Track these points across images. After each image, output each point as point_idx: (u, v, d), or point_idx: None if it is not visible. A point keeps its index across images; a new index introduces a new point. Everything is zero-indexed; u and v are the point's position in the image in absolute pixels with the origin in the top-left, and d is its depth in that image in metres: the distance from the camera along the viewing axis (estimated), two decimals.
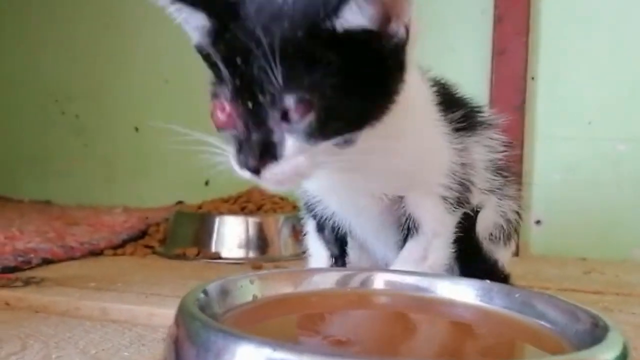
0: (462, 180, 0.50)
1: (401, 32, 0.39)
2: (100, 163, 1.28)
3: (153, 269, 0.75)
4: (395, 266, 0.47)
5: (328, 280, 0.37)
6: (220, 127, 0.41)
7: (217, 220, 0.89)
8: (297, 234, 0.93)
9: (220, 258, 0.84)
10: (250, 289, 0.35)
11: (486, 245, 0.56)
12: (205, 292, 0.31)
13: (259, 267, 0.79)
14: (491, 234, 0.56)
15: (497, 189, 0.56)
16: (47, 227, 0.86)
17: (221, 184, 1.11)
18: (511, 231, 0.58)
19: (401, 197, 0.48)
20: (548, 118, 0.98)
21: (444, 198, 0.48)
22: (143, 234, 0.96)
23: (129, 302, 0.55)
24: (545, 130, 0.99)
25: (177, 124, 1.28)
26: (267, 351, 0.22)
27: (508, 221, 0.57)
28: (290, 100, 0.37)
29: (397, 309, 0.36)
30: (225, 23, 0.39)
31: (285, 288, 0.36)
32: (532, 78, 0.99)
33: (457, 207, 0.49)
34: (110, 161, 1.28)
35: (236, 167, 0.40)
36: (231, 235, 0.88)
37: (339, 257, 0.54)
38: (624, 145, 0.95)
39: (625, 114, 0.96)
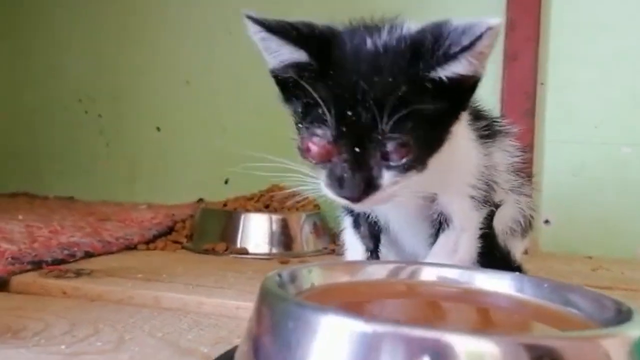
0: (487, 181, 0.55)
1: (483, 72, 0.44)
2: (122, 161, 1.33)
3: (189, 262, 0.79)
4: (429, 258, 0.53)
5: (380, 271, 0.42)
6: (313, 161, 0.46)
7: (242, 217, 0.94)
8: (318, 230, 0.98)
9: (247, 253, 0.89)
10: (312, 277, 0.39)
11: (503, 237, 0.61)
12: (280, 276, 0.36)
13: (285, 262, 0.83)
14: (511, 228, 0.62)
15: (516, 188, 0.61)
16: (83, 222, 0.91)
17: (240, 183, 1.17)
18: (527, 225, 0.63)
19: (435, 196, 0.53)
20: (556, 122, 1.03)
21: (472, 197, 0.53)
22: (170, 230, 1.01)
23: (179, 291, 0.59)
24: (553, 134, 1.04)
25: (197, 124, 1.33)
26: (355, 323, 0.26)
27: (525, 216, 0.63)
28: (392, 145, 0.42)
29: (441, 298, 0.41)
30: (323, 63, 0.44)
31: (341, 277, 0.41)
32: (542, 84, 1.04)
33: (483, 205, 0.54)
34: (132, 160, 1.32)
35: (331, 195, 0.46)
36: (256, 231, 0.93)
37: (373, 251, 0.59)
38: (630, 149, 1.00)
39: (630, 118, 1.01)
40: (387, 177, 0.44)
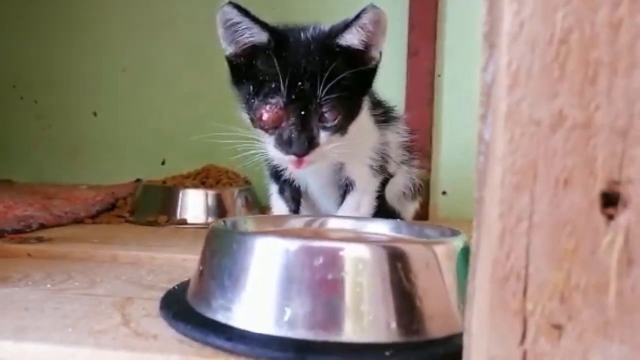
0: (382, 155, 0.71)
1: (378, 56, 0.60)
2: (60, 145, 1.38)
3: (136, 231, 0.90)
4: (337, 214, 0.68)
5: (298, 222, 0.56)
6: (266, 127, 0.58)
7: (181, 192, 1.05)
8: (249, 204, 1.11)
9: (186, 224, 1.01)
10: (247, 226, 0.53)
11: (397, 200, 0.78)
12: (225, 223, 0.49)
13: None
14: (403, 192, 0.78)
15: (406, 161, 0.78)
16: (31, 199, 0.98)
17: (175, 163, 1.27)
18: (416, 191, 0.80)
19: (342, 165, 0.68)
20: (451, 109, 1.22)
21: (371, 166, 0.69)
22: (112, 206, 1.10)
23: (133, 250, 0.70)
24: (449, 119, 1.23)
25: (134, 109, 1.42)
26: (278, 240, 0.40)
27: (414, 184, 0.80)
28: (327, 107, 0.57)
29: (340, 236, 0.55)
30: (278, 47, 0.58)
31: (268, 227, 0.55)
32: (439, 75, 1.22)
33: (380, 173, 0.70)
34: (70, 143, 1.38)
35: (279, 154, 0.60)
36: (194, 205, 1.05)
37: (295, 211, 0.73)
38: None
39: None
40: (323, 136, 0.59)
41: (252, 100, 0.61)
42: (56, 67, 1.37)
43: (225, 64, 0.66)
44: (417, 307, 0.38)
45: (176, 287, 0.50)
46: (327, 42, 0.59)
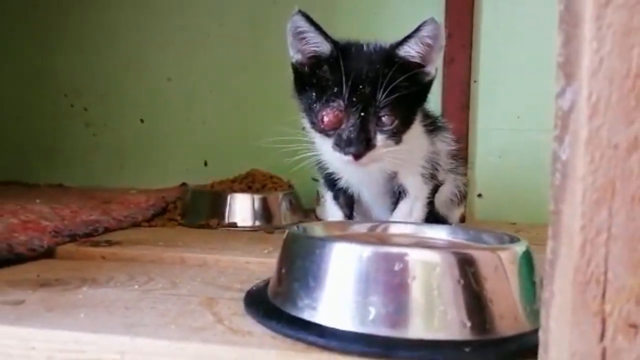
0: (433, 163, 0.75)
1: (433, 72, 0.64)
2: (108, 151, 1.45)
3: (192, 234, 0.95)
4: (392, 219, 0.72)
5: (362, 228, 0.60)
6: (327, 128, 0.64)
7: (229, 196, 1.10)
8: (294, 207, 1.16)
9: (236, 226, 1.06)
10: (317, 231, 0.57)
11: (445, 206, 0.82)
12: (298, 228, 0.54)
13: (271, 232, 1.01)
14: (450, 199, 0.82)
15: (453, 169, 0.82)
16: (92, 204, 1.04)
17: (217, 166, 1.32)
18: (462, 197, 0.84)
19: (396, 173, 0.72)
20: (486, 114, 1.25)
21: (422, 174, 0.73)
22: (164, 210, 1.16)
23: (198, 252, 0.75)
24: (484, 123, 1.26)
25: (178, 117, 1.48)
26: (355, 246, 0.44)
27: (459, 191, 0.84)
28: (384, 112, 0.61)
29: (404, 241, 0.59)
30: (342, 56, 0.63)
31: (336, 232, 0.59)
32: (475, 82, 1.25)
33: (430, 180, 0.74)
34: (117, 149, 1.45)
35: (338, 154, 0.64)
36: (241, 209, 1.10)
37: (349, 217, 0.78)
38: (544, 135, 1.22)
39: (544, 110, 1.24)
40: (379, 138, 0.64)
41: (315, 105, 0.66)
42: (105, 76, 1.44)
43: (290, 71, 0.70)
44: (488, 307, 0.42)
45: (254, 289, 0.55)
46: (388, 52, 0.65)
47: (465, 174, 0.88)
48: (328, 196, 0.79)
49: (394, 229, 0.61)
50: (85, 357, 0.42)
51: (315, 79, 0.66)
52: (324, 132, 0.66)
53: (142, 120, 1.43)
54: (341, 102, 0.63)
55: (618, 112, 0.30)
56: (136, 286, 0.58)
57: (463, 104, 1.23)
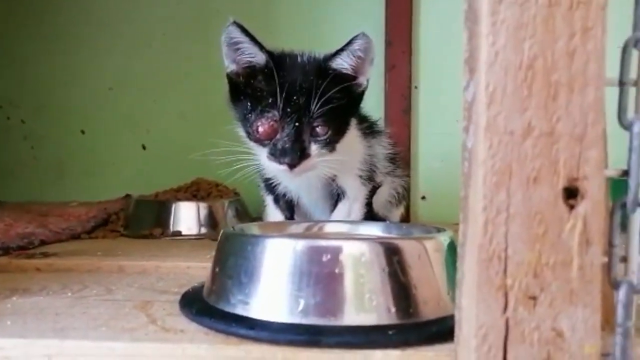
0: (370, 166, 0.77)
1: (365, 84, 0.66)
2: (47, 164, 1.41)
3: (134, 244, 0.94)
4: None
5: (298, 228, 0.61)
6: (261, 138, 0.65)
7: (173, 205, 1.09)
8: (240, 214, 1.16)
9: (181, 235, 1.05)
10: (253, 232, 0.58)
11: (384, 207, 0.84)
12: (233, 228, 0.54)
13: (215, 239, 1.00)
14: (389, 201, 0.85)
15: (391, 172, 0.84)
16: (28, 217, 1.01)
17: (161, 177, 1.31)
18: (400, 198, 0.86)
19: (334, 177, 0.74)
20: (427, 118, 1.30)
21: (360, 176, 0.75)
22: (105, 222, 1.13)
23: (138, 260, 0.74)
24: (426, 128, 1.30)
25: (121, 127, 1.45)
26: (288, 241, 0.45)
27: (397, 193, 0.86)
28: (318, 122, 0.63)
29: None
30: (276, 67, 0.64)
31: (273, 232, 0.60)
32: (415, 87, 1.29)
33: (368, 182, 0.76)
34: (58, 162, 1.41)
35: (273, 164, 0.65)
36: (186, 217, 1.09)
37: (290, 219, 0.79)
38: None
39: None
40: (314, 148, 0.65)
41: (249, 115, 0.67)
42: (43, 87, 1.40)
43: (225, 81, 0.71)
44: (412, 293, 0.44)
45: (190, 290, 0.55)
46: (321, 64, 0.66)
47: (407, 176, 0.91)
48: (269, 200, 0.80)
49: (329, 228, 0.63)
50: None
51: (250, 89, 0.67)
52: (259, 141, 0.67)
53: (82, 132, 1.40)
54: (276, 113, 0.64)
55: (513, 101, 0.32)
56: (69, 294, 0.57)
57: (404, 109, 1.27)
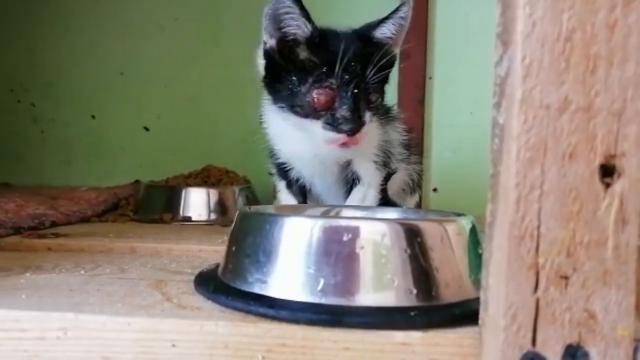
0: (385, 151, 0.76)
1: (396, 53, 0.67)
2: (56, 147, 1.41)
3: (145, 227, 0.93)
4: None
5: (315, 211, 0.61)
6: (318, 108, 0.64)
7: (184, 191, 1.09)
8: (250, 201, 1.15)
9: (191, 220, 1.04)
10: (269, 212, 0.57)
11: (398, 195, 0.83)
12: (249, 209, 0.53)
13: (226, 225, 1.00)
14: (403, 189, 0.84)
15: (405, 159, 0.83)
16: (38, 199, 1.01)
17: (171, 162, 1.30)
18: (414, 186, 0.85)
19: (349, 162, 0.73)
20: (441, 109, 1.28)
21: (375, 162, 0.74)
22: (115, 206, 1.13)
23: (150, 242, 0.74)
24: (439, 119, 1.29)
25: (131, 112, 1.45)
26: (307, 220, 0.45)
27: (412, 180, 0.85)
28: (372, 88, 0.64)
29: None
30: (323, 37, 0.64)
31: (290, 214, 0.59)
32: (430, 78, 1.28)
33: (383, 168, 0.75)
34: (66, 145, 1.40)
35: (330, 134, 0.64)
36: (196, 203, 1.08)
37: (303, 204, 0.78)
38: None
39: None
40: (367, 115, 0.64)
41: (299, 88, 0.65)
42: (54, 71, 1.40)
43: (260, 61, 0.70)
44: (433, 275, 0.43)
45: (205, 270, 0.54)
46: (367, 33, 0.68)
47: (420, 163, 0.90)
48: (281, 185, 0.79)
49: (346, 212, 0.62)
50: (27, 335, 0.40)
51: (293, 64, 0.66)
52: (314, 113, 0.65)
53: (93, 116, 1.40)
54: (333, 81, 0.63)
55: (549, 74, 0.31)
56: (82, 272, 0.57)
57: (418, 99, 1.25)
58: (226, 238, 0.77)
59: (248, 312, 0.41)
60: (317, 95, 0.64)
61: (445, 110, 1.29)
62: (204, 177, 1.15)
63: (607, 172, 0.31)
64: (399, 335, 0.38)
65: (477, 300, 0.42)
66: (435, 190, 1.29)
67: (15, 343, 0.41)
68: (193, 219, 1.05)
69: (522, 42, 0.31)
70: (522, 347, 0.32)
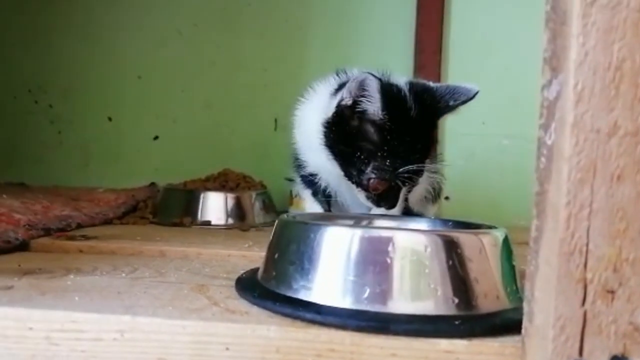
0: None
1: None
2: (73, 149, 1.42)
3: (167, 231, 0.95)
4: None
5: (347, 221, 0.63)
6: (372, 191, 0.68)
7: (202, 195, 1.10)
8: (267, 207, 1.17)
9: (210, 225, 1.06)
10: (307, 219, 0.59)
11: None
12: (287, 216, 0.55)
13: (246, 230, 1.02)
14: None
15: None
16: (61, 200, 1.02)
17: (187, 166, 1.32)
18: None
19: None
20: (454, 118, 1.30)
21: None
22: (134, 209, 1.15)
23: (178, 246, 0.76)
24: (451, 127, 1.31)
25: (148, 116, 1.46)
26: (347, 230, 0.46)
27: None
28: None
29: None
30: (392, 122, 0.66)
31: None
32: None
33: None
34: (84, 147, 1.42)
35: (369, 203, 0.70)
36: (214, 207, 1.10)
37: (328, 212, 0.80)
38: (508, 140, 1.30)
39: (509, 117, 1.31)
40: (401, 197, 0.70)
41: (357, 163, 0.68)
42: (72, 73, 1.42)
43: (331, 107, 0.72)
44: (473, 286, 0.45)
45: (244, 275, 0.56)
46: (431, 117, 0.71)
47: (440, 173, 0.91)
48: (306, 193, 0.81)
49: (378, 222, 0.64)
50: (84, 336, 0.42)
51: (359, 136, 0.68)
52: (364, 188, 0.69)
53: (110, 119, 1.41)
54: (390, 176, 0.67)
55: (600, 100, 0.33)
56: (123, 274, 0.59)
57: None
58: (251, 243, 0.80)
59: (296, 317, 0.43)
60: (374, 184, 0.67)
61: (458, 120, 1.30)
62: (222, 182, 1.17)
63: None
64: (443, 343, 0.40)
65: (513, 310, 0.45)
66: (447, 198, 1.31)
67: (73, 343, 0.42)
68: (212, 223, 1.06)
69: (574, 70, 0.33)
70: (569, 357, 0.34)
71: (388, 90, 0.66)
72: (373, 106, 0.66)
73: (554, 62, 0.36)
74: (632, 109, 0.33)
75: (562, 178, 0.34)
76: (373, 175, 0.67)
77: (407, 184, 0.68)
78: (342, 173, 0.71)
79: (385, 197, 0.69)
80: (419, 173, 0.68)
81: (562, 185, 0.34)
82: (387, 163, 0.66)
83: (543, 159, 0.37)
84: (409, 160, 0.66)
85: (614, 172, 0.33)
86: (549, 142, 0.36)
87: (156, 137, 1.40)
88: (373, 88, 0.65)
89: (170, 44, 1.38)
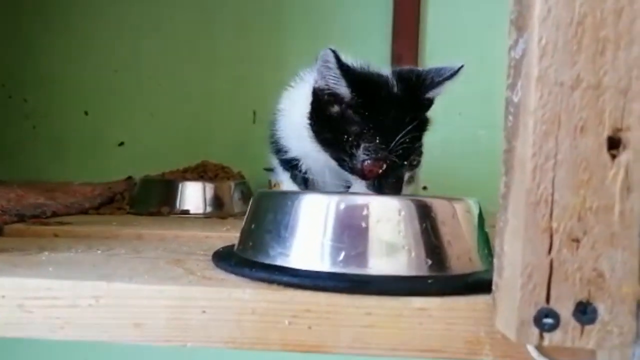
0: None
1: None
2: (49, 143, 1.40)
3: (145, 220, 0.94)
4: None
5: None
6: (369, 177, 0.65)
7: (180, 185, 1.10)
8: (245, 197, 1.17)
9: (189, 213, 1.05)
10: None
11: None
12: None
13: (224, 218, 1.02)
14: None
15: None
16: (36, 190, 1.01)
17: (165, 160, 1.31)
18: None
19: None
20: (430, 110, 1.32)
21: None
22: (111, 200, 1.14)
23: (156, 229, 0.76)
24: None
25: (125, 110, 1.45)
26: (323, 197, 0.47)
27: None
28: (415, 155, 0.66)
29: None
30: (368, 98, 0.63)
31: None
32: None
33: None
34: (59, 141, 1.40)
35: (368, 189, 0.66)
36: (193, 196, 1.10)
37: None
38: (483, 131, 1.32)
39: (484, 109, 1.33)
40: (406, 176, 0.66)
41: (347, 148, 0.65)
42: (47, 67, 1.39)
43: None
44: (446, 248, 0.46)
45: (221, 249, 0.56)
46: (418, 94, 0.68)
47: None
48: (285, 176, 0.81)
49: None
50: (59, 303, 0.42)
51: (342, 120, 0.65)
52: (362, 176, 0.66)
53: (86, 113, 1.40)
54: (386, 155, 0.63)
55: (563, 55, 0.34)
56: (99, 251, 0.58)
57: None
58: (229, 227, 0.80)
59: (272, 281, 0.44)
60: (369, 166, 0.64)
61: (435, 111, 1.32)
62: (200, 172, 1.17)
63: (614, 144, 0.34)
64: (417, 301, 0.41)
65: (485, 272, 0.46)
66: (425, 188, 1.33)
67: (48, 311, 0.42)
68: (191, 212, 1.06)
69: (538, 26, 0.34)
70: (537, 304, 0.35)
71: (350, 67, 0.64)
72: (339, 85, 0.64)
73: (519, 22, 0.37)
74: (594, 62, 0.34)
75: (528, 132, 0.35)
76: (366, 157, 0.64)
77: (404, 159, 0.64)
78: (334, 163, 0.68)
79: (387, 182, 0.65)
80: (415, 144, 0.65)
81: (528, 138, 0.35)
82: (377, 140, 0.64)
83: (510, 117, 0.38)
84: (400, 133, 0.63)
85: (577, 124, 0.34)
86: (515, 100, 0.37)
87: (132, 132, 1.38)
88: (332, 61, 0.63)
89: (147, 37, 1.38)
